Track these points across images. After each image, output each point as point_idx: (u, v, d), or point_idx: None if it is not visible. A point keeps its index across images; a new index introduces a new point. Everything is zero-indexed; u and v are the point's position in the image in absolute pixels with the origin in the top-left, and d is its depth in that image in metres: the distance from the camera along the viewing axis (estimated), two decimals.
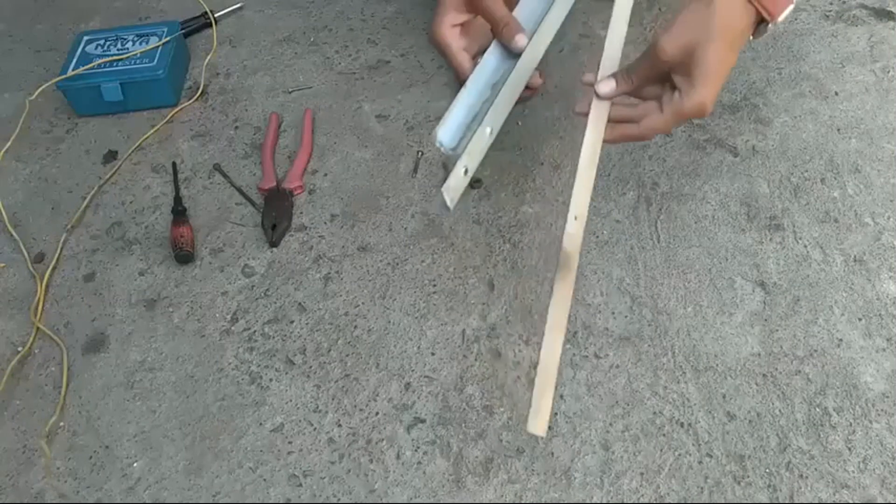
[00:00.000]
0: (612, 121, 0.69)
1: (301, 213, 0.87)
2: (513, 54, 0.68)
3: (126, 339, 0.78)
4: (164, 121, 0.98)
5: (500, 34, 0.66)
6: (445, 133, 0.64)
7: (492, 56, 0.68)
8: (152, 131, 0.97)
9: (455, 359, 0.74)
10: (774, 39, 1.01)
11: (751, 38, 0.67)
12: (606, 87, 0.67)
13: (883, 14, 1.04)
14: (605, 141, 0.68)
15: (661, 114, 0.66)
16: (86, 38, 1.02)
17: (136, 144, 0.96)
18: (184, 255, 0.83)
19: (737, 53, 0.65)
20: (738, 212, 0.83)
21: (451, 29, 0.68)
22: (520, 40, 0.66)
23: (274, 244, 0.84)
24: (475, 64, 0.68)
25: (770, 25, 0.64)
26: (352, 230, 0.85)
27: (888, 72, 0.96)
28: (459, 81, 0.68)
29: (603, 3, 1.08)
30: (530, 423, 0.60)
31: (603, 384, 0.71)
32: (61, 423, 0.72)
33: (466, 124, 0.65)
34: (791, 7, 0.64)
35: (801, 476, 0.65)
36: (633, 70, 0.67)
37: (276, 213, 0.86)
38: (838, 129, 0.90)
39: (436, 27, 0.68)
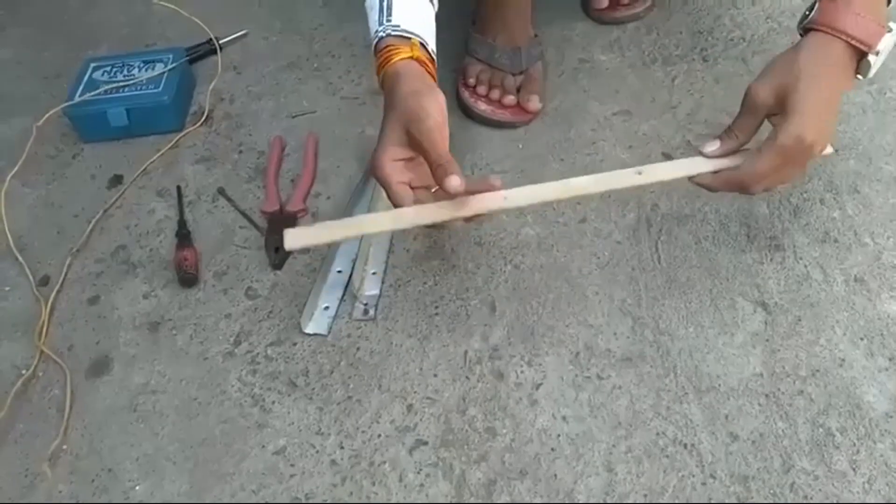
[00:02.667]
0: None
1: None
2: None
3: (129, 362, 0.78)
4: (169, 146, 1.00)
5: (435, 174, 0.65)
6: (308, 324, 0.79)
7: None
8: (157, 156, 0.98)
9: (457, 380, 0.74)
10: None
11: (860, 76, 0.66)
12: (711, 147, 0.70)
13: None
14: (710, 186, 0.71)
15: (762, 152, 0.66)
16: (92, 64, 1.04)
17: (142, 169, 0.97)
18: (188, 278, 0.83)
19: (836, 86, 0.65)
20: (738, 232, 0.83)
21: (391, 164, 0.66)
22: (452, 181, 0.63)
23: (277, 267, 0.85)
24: (410, 195, 0.68)
25: (871, 56, 0.64)
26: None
27: (885, 93, 0.97)
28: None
29: (601, 28, 1.10)
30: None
31: (605, 405, 0.71)
32: (64, 447, 0.72)
33: (322, 308, 0.80)
34: (890, 35, 0.63)
35: (806, 497, 0.64)
36: (734, 126, 0.69)
37: (279, 235, 0.86)
38: (836, 150, 0.91)
39: (376, 161, 0.67)
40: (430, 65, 0.71)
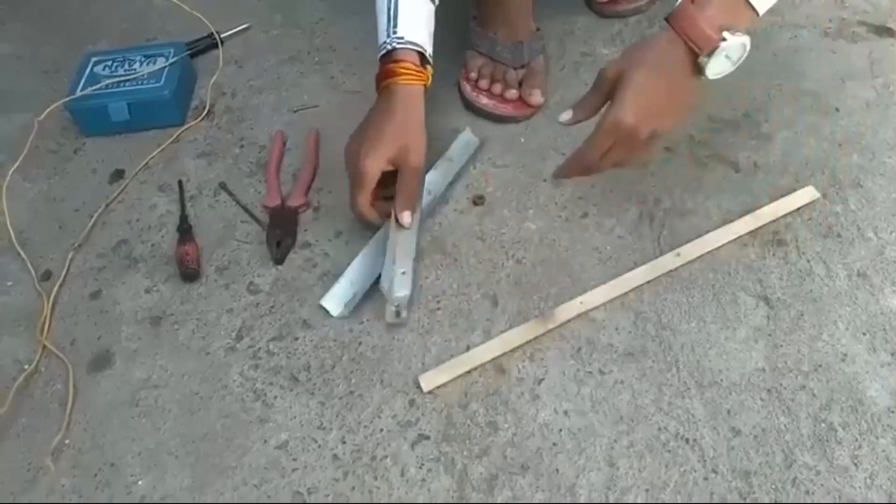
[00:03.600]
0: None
1: (306, 230, 0.88)
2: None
3: (131, 357, 0.78)
4: (171, 140, 0.99)
5: (398, 198, 0.79)
6: (330, 303, 0.79)
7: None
8: (158, 150, 0.98)
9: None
10: (775, 56, 1.02)
11: (701, 76, 0.69)
12: (565, 115, 0.74)
13: (883, 31, 1.04)
14: (566, 173, 0.77)
15: (592, 135, 0.71)
16: (93, 59, 1.03)
17: (143, 164, 0.97)
18: (189, 273, 0.83)
19: (670, 83, 0.69)
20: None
21: (374, 169, 0.77)
22: (404, 217, 0.78)
23: (279, 261, 0.85)
24: (367, 205, 0.79)
25: (702, 59, 0.67)
26: (356, 247, 0.85)
27: (888, 88, 0.97)
28: (356, 214, 0.80)
29: (603, 21, 1.10)
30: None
31: (607, 400, 0.71)
32: (66, 441, 0.72)
33: (352, 292, 0.79)
34: (730, 44, 0.65)
35: (808, 492, 0.64)
36: (584, 99, 0.74)
37: (280, 230, 0.87)
38: (839, 145, 0.90)
39: (366, 160, 0.76)
40: (427, 82, 0.81)
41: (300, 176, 0.92)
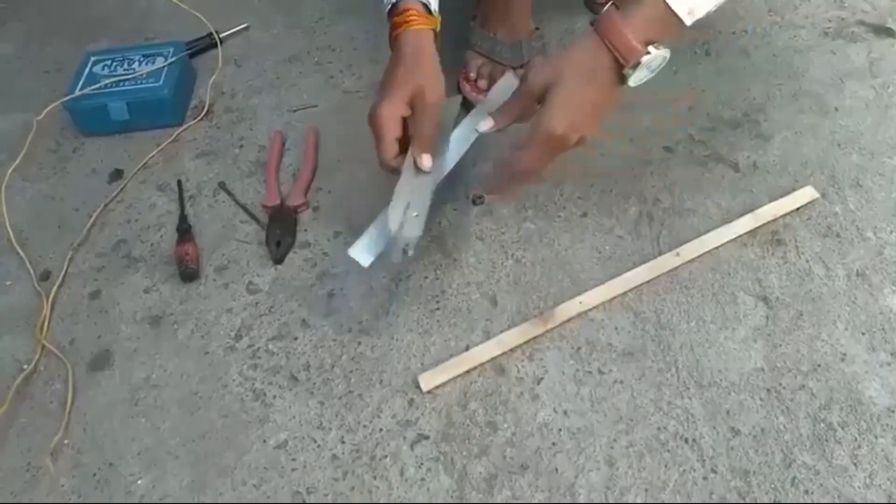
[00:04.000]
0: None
1: (305, 230, 0.88)
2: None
3: (131, 357, 0.78)
4: (170, 140, 0.99)
5: (415, 143, 0.74)
6: (360, 254, 0.75)
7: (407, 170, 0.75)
8: (158, 150, 0.98)
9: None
10: (774, 56, 1.02)
11: (622, 83, 0.70)
12: (486, 125, 0.73)
13: (882, 31, 1.04)
14: (494, 188, 0.78)
15: (524, 145, 0.70)
16: (93, 58, 1.03)
17: (142, 163, 0.97)
18: (189, 273, 0.83)
19: (598, 91, 0.69)
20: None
21: (392, 118, 0.72)
22: (424, 160, 0.73)
23: (278, 261, 0.85)
24: (400, 157, 0.74)
25: (627, 70, 0.67)
26: None
27: (888, 87, 0.97)
28: (382, 167, 0.75)
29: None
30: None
31: (607, 399, 0.71)
32: (66, 441, 0.72)
33: (383, 241, 0.74)
34: (651, 57, 0.66)
35: (807, 492, 0.65)
36: (506, 106, 0.73)
37: (280, 230, 0.87)
38: (839, 145, 0.90)
39: (381, 108, 0.72)
40: (435, 27, 0.78)
41: (299, 176, 0.92)
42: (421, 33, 0.76)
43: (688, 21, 0.66)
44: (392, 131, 0.73)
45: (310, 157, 0.94)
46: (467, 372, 0.74)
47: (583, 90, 0.68)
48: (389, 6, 0.77)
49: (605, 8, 0.69)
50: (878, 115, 0.93)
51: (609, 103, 0.71)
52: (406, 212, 0.73)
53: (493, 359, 0.74)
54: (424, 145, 0.74)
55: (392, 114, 0.72)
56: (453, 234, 0.86)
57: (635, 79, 0.68)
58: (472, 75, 0.98)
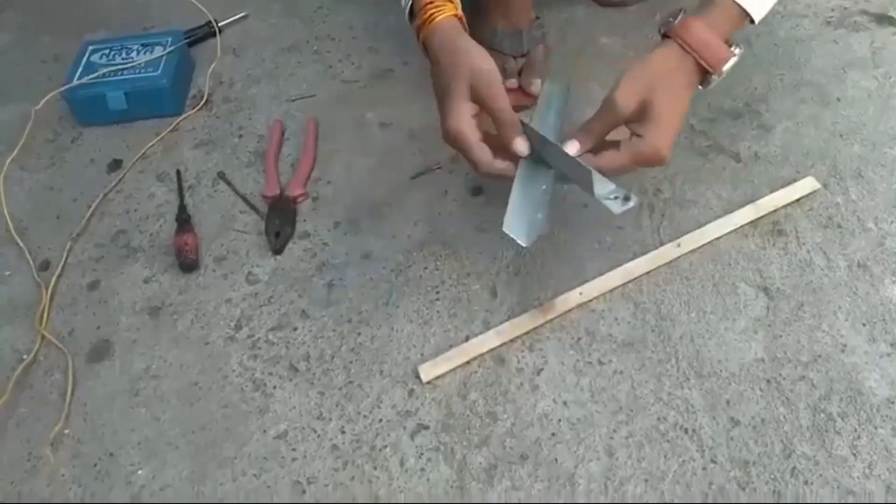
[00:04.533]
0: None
1: (304, 220, 0.88)
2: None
3: (130, 347, 0.78)
4: (169, 129, 0.99)
5: (502, 132, 0.68)
6: (519, 233, 0.68)
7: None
8: (156, 140, 0.98)
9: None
10: (776, 46, 1.01)
11: (700, 87, 0.71)
12: (573, 148, 0.70)
13: (884, 20, 1.04)
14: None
15: (619, 153, 0.68)
16: (90, 47, 1.03)
17: (141, 153, 0.97)
18: (188, 263, 0.83)
19: (686, 98, 0.69)
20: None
21: (468, 121, 0.67)
22: (518, 144, 0.68)
23: (277, 251, 0.84)
24: (497, 159, 0.68)
25: (714, 77, 0.69)
26: (355, 237, 0.85)
27: (890, 77, 0.96)
28: (477, 173, 0.69)
29: (603, 11, 1.09)
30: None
31: (606, 390, 0.71)
32: (66, 431, 0.72)
33: (537, 214, 0.69)
34: (735, 59, 0.68)
35: (806, 482, 0.65)
36: (590, 127, 0.70)
37: (279, 220, 0.87)
38: (840, 135, 0.90)
39: (452, 122, 0.67)
40: (457, 12, 0.73)
41: (299, 166, 0.92)
42: (447, 23, 0.71)
43: (757, 19, 0.68)
44: (474, 136, 0.67)
45: (309, 147, 0.94)
46: (467, 362, 0.74)
47: (679, 103, 0.68)
48: (407, 8, 0.74)
49: (681, 15, 0.69)
50: (880, 106, 0.93)
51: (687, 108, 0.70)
52: (527, 217, 0.69)
53: (492, 349, 0.74)
54: (510, 130, 0.68)
55: (463, 120, 0.67)
56: (453, 225, 0.85)
57: (716, 82, 0.70)
58: None
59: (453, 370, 0.73)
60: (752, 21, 0.69)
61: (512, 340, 0.75)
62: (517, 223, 0.68)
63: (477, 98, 0.68)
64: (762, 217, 0.82)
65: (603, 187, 0.68)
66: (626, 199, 0.68)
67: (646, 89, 0.67)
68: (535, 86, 0.95)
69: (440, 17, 0.71)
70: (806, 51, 1.00)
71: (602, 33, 1.06)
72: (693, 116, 0.93)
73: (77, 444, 0.72)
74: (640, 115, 0.67)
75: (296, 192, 0.89)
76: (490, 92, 0.67)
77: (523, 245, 0.68)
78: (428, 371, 0.73)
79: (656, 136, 0.67)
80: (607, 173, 0.68)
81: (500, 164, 0.69)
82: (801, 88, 0.96)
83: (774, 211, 0.83)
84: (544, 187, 0.71)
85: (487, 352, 0.74)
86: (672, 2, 0.72)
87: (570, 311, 0.77)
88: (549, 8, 1.07)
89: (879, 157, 0.87)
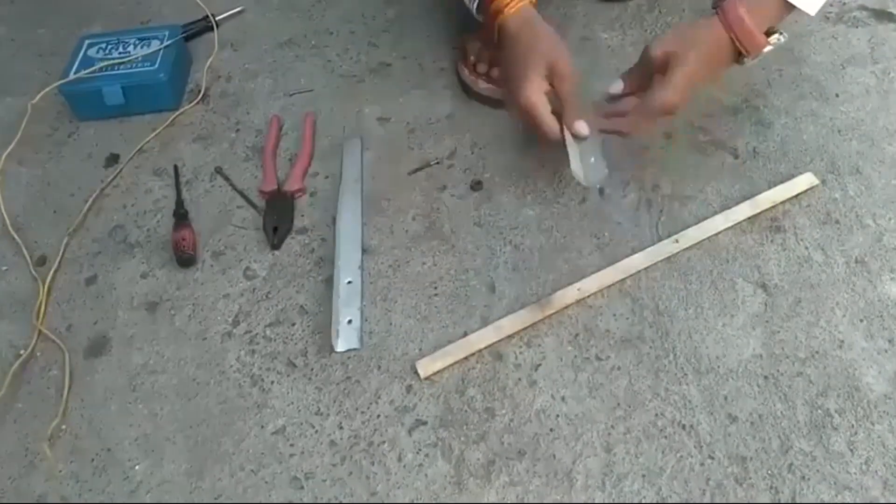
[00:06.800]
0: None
1: (302, 215, 0.88)
2: None
3: (128, 342, 0.78)
4: (166, 124, 0.99)
5: (566, 113, 0.76)
6: (338, 342, 0.75)
7: None
8: (154, 135, 0.98)
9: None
10: None
11: (736, 63, 0.76)
12: (616, 87, 0.79)
13: (883, 16, 1.04)
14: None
15: (630, 98, 0.77)
16: (87, 41, 1.02)
17: (138, 148, 0.96)
18: (185, 258, 0.83)
19: (712, 72, 0.75)
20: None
21: (539, 95, 0.75)
22: (579, 127, 0.76)
23: (275, 247, 0.84)
24: (560, 125, 0.77)
25: (747, 60, 0.74)
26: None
27: (889, 73, 0.96)
28: (545, 141, 0.77)
29: (603, 5, 1.09)
30: None
31: (604, 386, 0.71)
32: (63, 427, 0.72)
33: (346, 323, 0.76)
34: (769, 47, 0.74)
35: (804, 478, 0.65)
36: (631, 70, 0.79)
37: (277, 215, 0.86)
38: (839, 131, 0.90)
39: (526, 92, 0.75)
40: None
41: (297, 161, 0.92)
42: (523, 10, 0.78)
43: (812, 12, 0.72)
44: (546, 108, 0.76)
45: (307, 142, 0.94)
46: (465, 358, 0.74)
47: (701, 69, 0.73)
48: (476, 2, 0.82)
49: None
50: (879, 102, 0.93)
51: (716, 80, 0.78)
52: (584, 161, 0.78)
53: (490, 345, 0.74)
54: (575, 113, 0.76)
55: (537, 93, 0.75)
56: (451, 220, 0.85)
57: (750, 63, 0.75)
58: (472, 60, 0.97)
59: (451, 366, 0.73)
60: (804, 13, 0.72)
61: (510, 336, 0.75)
62: (576, 167, 0.78)
63: (551, 78, 0.76)
64: (760, 213, 0.82)
65: (596, 175, 0.78)
66: (602, 191, 0.78)
67: (676, 44, 0.73)
68: None
69: (520, 3, 0.78)
70: (805, 47, 1.00)
71: (601, 28, 1.06)
72: (691, 112, 0.93)
73: (74, 439, 0.71)
74: (663, 67, 0.73)
75: (294, 186, 0.89)
76: (565, 74, 0.76)
77: (583, 185, 0.79)
78: (426, 367, 0.73)
79: (666, 87, 0.73)
80: (631, 123, 0.77)
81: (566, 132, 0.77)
82: (800, 84, 0.96)
83: (773, 207, 0.83)
84: (593, 160, 0.79)
85: (485, 347, 0.74)
86: None
87: (568, 306, 0.76)
88: (548, 3, 1.07)
89: (878, 154, 0.87)
